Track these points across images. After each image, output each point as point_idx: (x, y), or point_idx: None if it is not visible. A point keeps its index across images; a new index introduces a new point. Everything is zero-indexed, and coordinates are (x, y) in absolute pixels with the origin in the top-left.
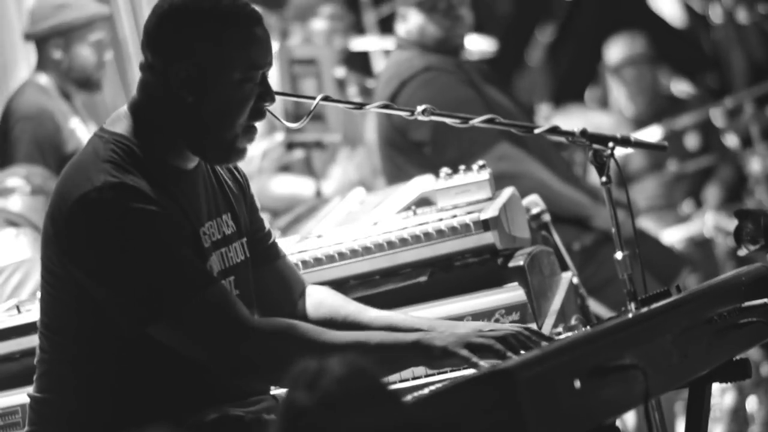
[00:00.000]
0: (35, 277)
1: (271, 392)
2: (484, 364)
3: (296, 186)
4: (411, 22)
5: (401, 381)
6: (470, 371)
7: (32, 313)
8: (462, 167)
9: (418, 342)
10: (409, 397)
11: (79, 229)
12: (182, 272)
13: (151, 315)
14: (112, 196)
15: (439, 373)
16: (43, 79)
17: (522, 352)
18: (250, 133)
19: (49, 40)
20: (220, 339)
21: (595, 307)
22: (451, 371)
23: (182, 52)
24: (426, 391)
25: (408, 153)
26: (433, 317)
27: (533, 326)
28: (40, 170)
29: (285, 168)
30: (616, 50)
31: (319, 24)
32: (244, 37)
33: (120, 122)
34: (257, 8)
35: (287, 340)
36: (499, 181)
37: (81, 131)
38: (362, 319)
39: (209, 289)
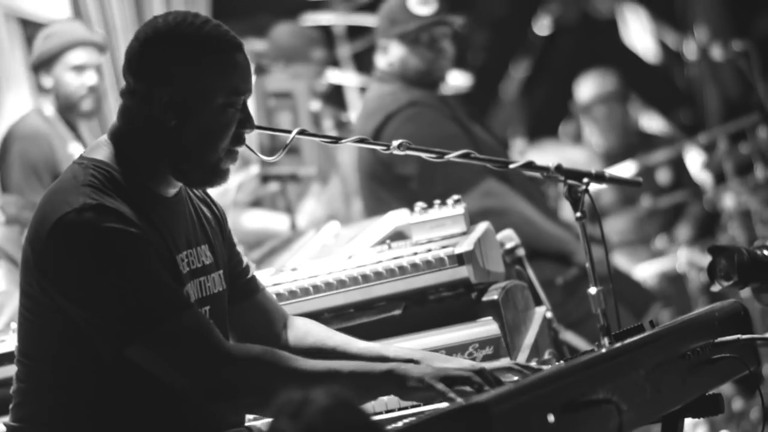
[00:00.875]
0: (10, 309)
1: (246, 424)
2: (460, 399)
3: (270, 221)
4: (392, 54)
5: (374, 414)
6: (443, 405)
7: (7, 344)
8: (437, 201)
9: (391, 371)
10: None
11: (58, 251)
12: (160, 294)
13: (128, 336)
14: (90, 217)
15: (412, 406)
16: (47, 106)
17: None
18: (232, 155)
19: (40, 70)
20: (194, 363)
21: (575, 340)
22: (424, 405)
23: (165, 77)
24: (400, 424)
25: (392, 187)
26: None
27: (532, 364)
28: (14, 199)
29: (258, 202)
30: (585, 89)
31: (304, 69)
32: (227, 62)
33: (100, 149)
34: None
35: (261, 366)
36: (484, 217)
37: None
38: (351, 350)
39: (186, 312)
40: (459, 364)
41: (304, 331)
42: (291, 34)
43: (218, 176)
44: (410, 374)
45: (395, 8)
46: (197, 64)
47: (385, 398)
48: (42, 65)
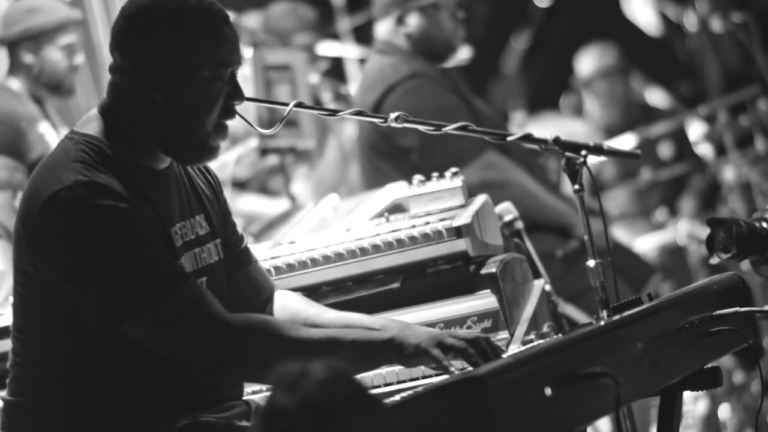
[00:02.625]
0: (6, 288)
1: (244, 398)
2: (454, 369)
3: (264, 205)
4: (411, 25)
5: (373, 387)
6: (442, 377)
7: (6, 318)
8: (435, 174)
9: (392, 340)
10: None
11: (50, 228)
12: (154, 268)
13: (124, 312)
14: (82, 194)
15: (411, 380)
16: (15, 83)
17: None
18: (221, 130)
19: (20, 45)
20: (193, 335)
21: (575, 313)
22: (423, 377)
23: (150, 53)
24: (398, 397)
25: (392, 158)
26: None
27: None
28: (4, 161)
29: (257, 176)
30: (586, 63)
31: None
32: (212, 35)
33: (90, 124)
34: (224, 8)
35: (260, 336)
36: (485, 189)
37: (50, 136)
38: (320, 321)
39: (182, 285)
40: (429, 332)
41: (282, 304)
42: (280, 17)
43: (208, 152)
44: (407, 341)
45: None
46: (181, 39)
47: (383, 371)
48: (26, 40)
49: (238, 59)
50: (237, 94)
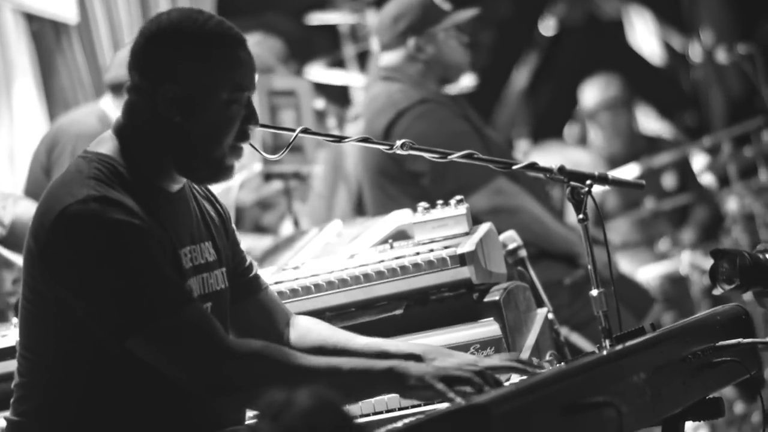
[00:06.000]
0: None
1: (247, 422)
2: (460, 399)
3: (254, 242)
4: (429, 51)
5: (374, 413)
6: (443, 405)
7: (8, 339)
8: (440, 202)
9: (391, 369)
10: (382, 430)
11: (61, 241)
12: (162, 287)
13: (129, 328)
14: (94, 208)
15: (413, 406)
16: (114, 111)
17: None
18: (236, 151)
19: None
20: (194, 358)
21: (581, 342)
22: (425, 404)
23: (169, 73)
24: (399, 424)
25: (403, 184)
26: None
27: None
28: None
29: (261, 202)
30: (590, 95)
31: None
32: (230, 58)
33: (105, 143)
34: (242, 32)
35: (261, 361)
36: (495, 215)
37: None
38: (352, 347)
39: (188, 306)
40: (461, 358)
41: (306, 329)
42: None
43: (223, 172)
44: (410, 373)
45: (423, 5)
46: (201, 61)
47: (385, 397)
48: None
49: (254, 83)
50: (253, 117)
